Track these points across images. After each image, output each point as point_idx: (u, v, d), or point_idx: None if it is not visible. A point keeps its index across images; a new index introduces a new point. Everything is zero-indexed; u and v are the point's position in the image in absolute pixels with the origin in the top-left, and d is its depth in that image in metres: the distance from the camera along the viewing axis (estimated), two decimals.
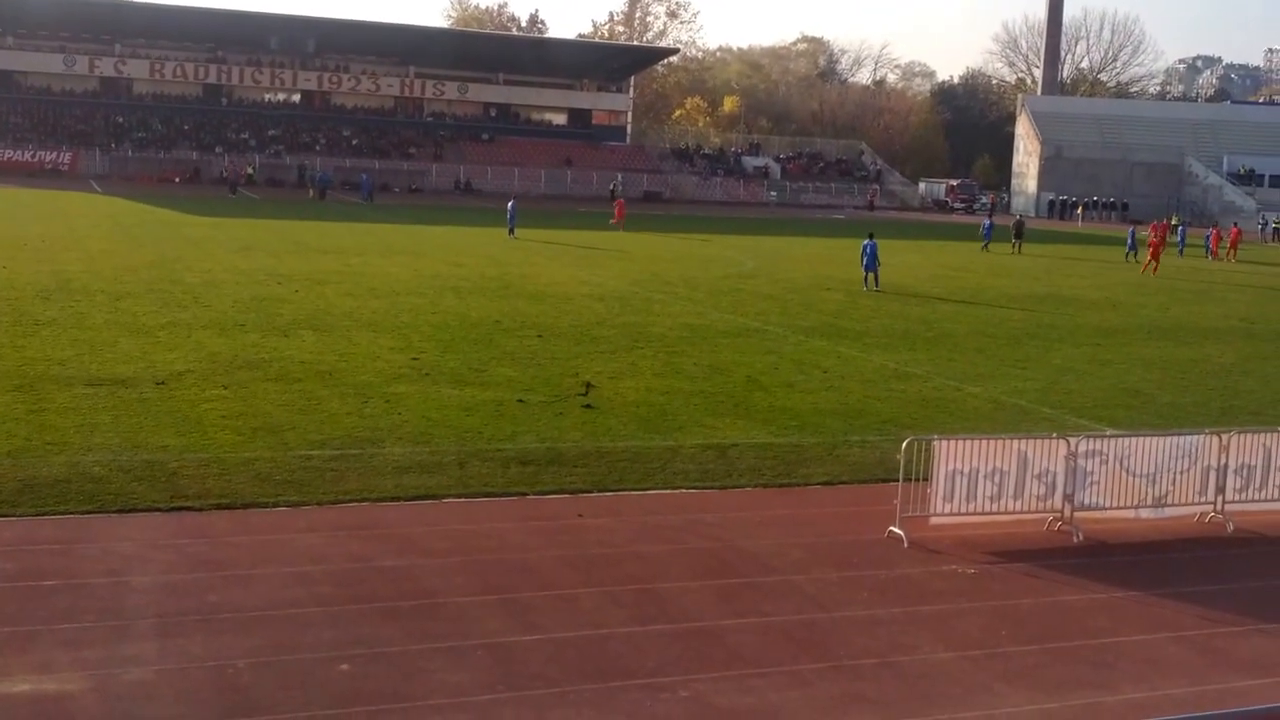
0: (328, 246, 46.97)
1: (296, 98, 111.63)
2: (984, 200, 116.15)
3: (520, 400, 20.17)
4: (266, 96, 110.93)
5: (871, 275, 39.62)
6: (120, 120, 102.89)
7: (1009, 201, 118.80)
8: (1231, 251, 63.12)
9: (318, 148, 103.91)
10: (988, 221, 64.69)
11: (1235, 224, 73.33)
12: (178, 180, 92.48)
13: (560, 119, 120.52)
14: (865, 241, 40.21)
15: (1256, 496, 15.41)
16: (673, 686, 9.92)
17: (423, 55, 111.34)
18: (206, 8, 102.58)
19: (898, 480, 13.98)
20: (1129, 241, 60.59)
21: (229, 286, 33.08)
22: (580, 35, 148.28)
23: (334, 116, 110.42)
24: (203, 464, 15.56)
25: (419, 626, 10.87)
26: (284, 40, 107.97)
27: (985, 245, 61.84)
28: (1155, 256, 51.79)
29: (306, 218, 63.94)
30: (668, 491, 15.58)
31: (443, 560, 12.59)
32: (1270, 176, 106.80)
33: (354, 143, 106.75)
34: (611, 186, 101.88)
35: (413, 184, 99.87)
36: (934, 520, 14.10)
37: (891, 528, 13.99)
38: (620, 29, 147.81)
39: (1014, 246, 62.05)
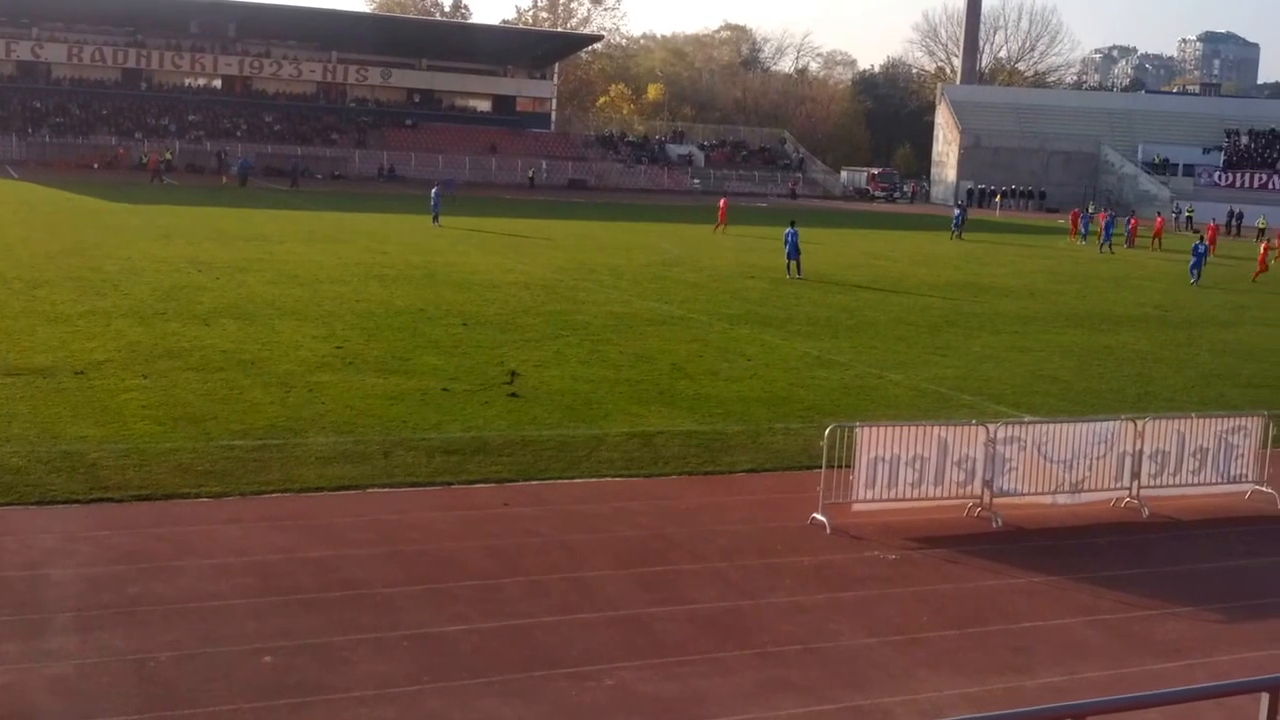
0: (249, 234, 46.48)
1: (217, 83, 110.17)
2: (905, 189, 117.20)
3: (445, 389, 20.11)
4: (187, 81, 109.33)
5: (794, 263, 39.92)
6: (37, 105, 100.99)
7: (929, 190, 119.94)
8: (1155, 241, 64.20)
9: (239, 134, 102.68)
10: (958, 211, 67.86)
11: (1159, 214, 74.55)
12: (96, 166, 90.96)
13: (484, 105, 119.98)
14: (787, 230, 40.54)
15: (1171, 482, 15.73)
16: (598, 675, 9.98)
17: (345, 40, 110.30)
18: None
19: (821, 467, 14.12)
20: (1105, 232, 61.61)
21: (149, 274, 32.66)
22: (504, 21, 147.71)
23: (255, 102, 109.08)
24: (123, 455, 15.38)
25: (343, 617, 10.84)
26: (204, 24, 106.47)
27: (957, 234, 64.66)
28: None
29: (227, 204, 63.18)
30: (593, 480, 15.62)
31: (367, 551, 12.55)
32: (1184, 166, 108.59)
33: (276, 129, 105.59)
34: (531, 173, 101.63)
35: (335, 170, 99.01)
36: (856, 507, 14.27)
37: (814, 514, 14.13)
38: (544, 15, 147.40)
39: (954, 233, 64.77)
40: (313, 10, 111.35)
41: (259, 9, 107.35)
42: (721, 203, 63.49)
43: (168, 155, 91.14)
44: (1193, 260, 46.21)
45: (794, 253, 39.94)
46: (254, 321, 25.91)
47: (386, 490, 14.70)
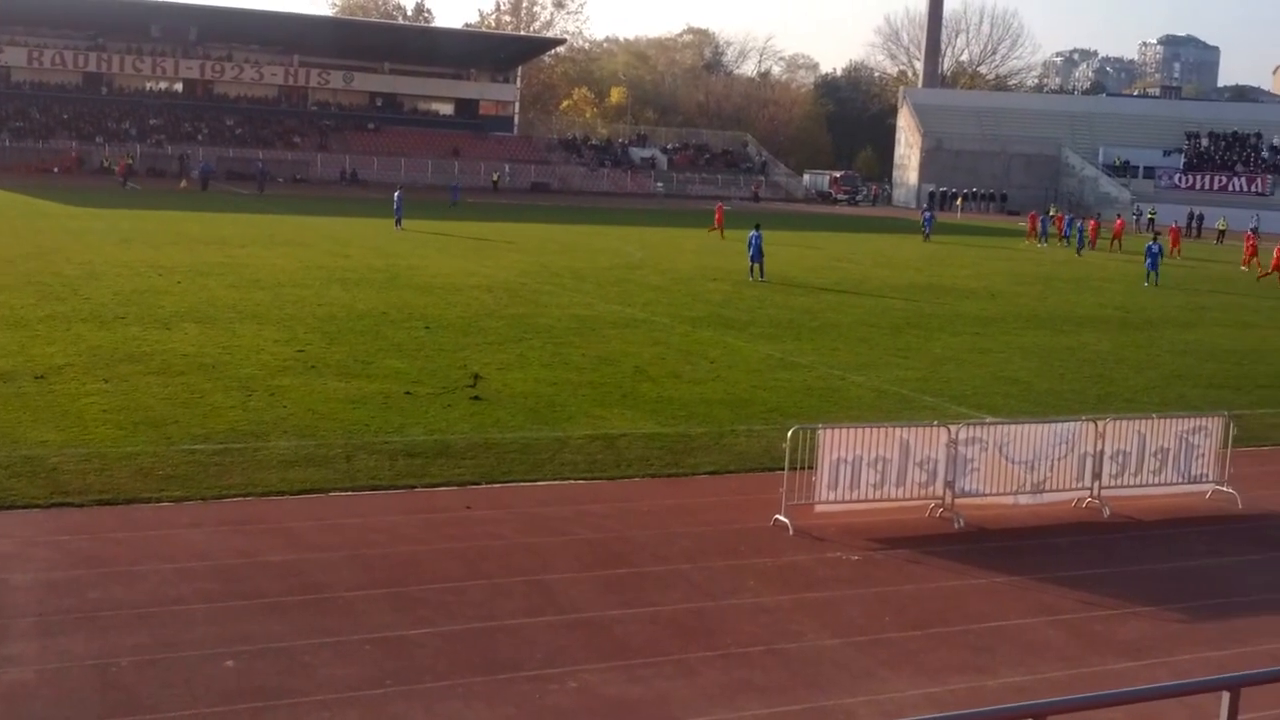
0: (211, 237, 46.23)
1: (179, 87, 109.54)
2: (866, 192, 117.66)
3: (408, 392, 20.06)
4: (148, 85, 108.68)
5: (756, 266, 40.03)
6: None
7: (890, 193, 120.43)
8: (1115, 242, 64.74)
9: (200, 137, 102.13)
10: (928, 214, 69.31)
11: (1119, 216, 75.12)
12: (56, 170, 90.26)
13: (447, 109, 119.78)
14: (751, 233, 40.65)
15: (1132, 482, 15.83)
16: (561, 677, 9.97)
17: (307, 44, 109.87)
18: None
19: (783, 469, 14.15)
20: (1078, 237, 62.07)
21: (109, 278, 32.43)
22: (467, 25, 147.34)
23: (217, 106, 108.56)
24: (83, 459, 15.26)
25: (306, 621, 10.79)
26: (166, 28, 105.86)
27: (926, 236, 66.33)
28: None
29: (188, 208, 62.79)
30: (556, 482, 15.60)
31: (329, 554, 12.50)
32: (1144, 168, 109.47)
33: (237, 132, 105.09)
34: (495, 176, 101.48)
35: (297, 174, 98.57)
36: (819, 508, 14.30)
37: (777, 516, 14.15)
38: (507, 19, 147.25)
39: (923, 235, 66.58)
40: (274, 14, 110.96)
41: (220, 13, 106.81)
42: (718, 207, 63.57)
43: (129, 159, 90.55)
44: (1147, 261, 46.64)
45: (757, 255, 40.06)
46: (215, 325, 25.76)
47: (348, 494, 14.64)
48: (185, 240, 44.66)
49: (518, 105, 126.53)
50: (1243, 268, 54.86)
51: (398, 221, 55.28)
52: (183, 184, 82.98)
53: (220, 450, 16.01)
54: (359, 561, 12.35)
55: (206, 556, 12.28)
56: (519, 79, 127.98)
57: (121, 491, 14.15)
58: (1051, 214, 72.06)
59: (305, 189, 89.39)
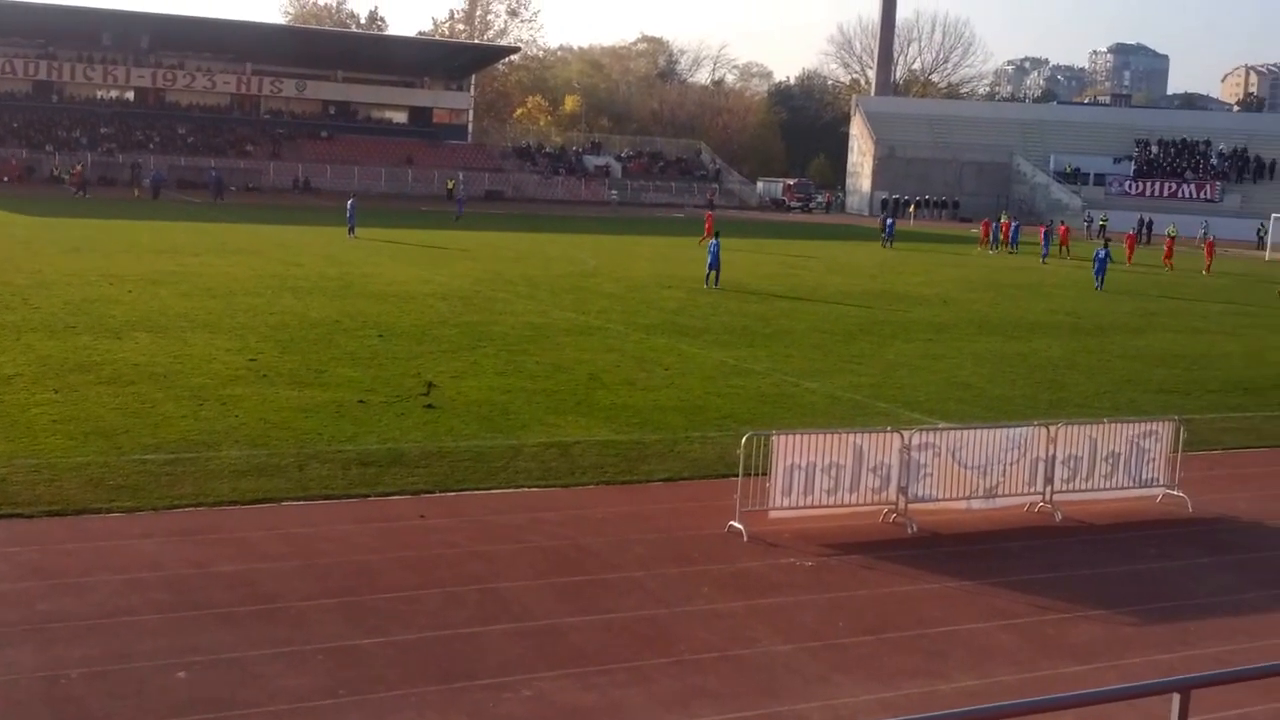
0: (162, 246, 45.86)
1: (130, 95, 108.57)
2: (819, 199, 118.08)
3: (361, 401, 19.96)
4: (99, 94, 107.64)
5: (714, 273, 40.18)
6: None
7: (844, 200, 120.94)
8: (1062, 249, 65.31)
9: (152, 146, 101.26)
10: (890, 222, 69.89)
11: (1062, 222, 75.77)
12: (6, 179, 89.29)
13: (401, 117, 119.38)
14: (710, 240, 40.95)
15: (1083, 486, 15.96)
16: (516, 686, 9.94)
17: (260, 52, 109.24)
18: (37, 2, 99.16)
19: (738, 475, 14.18)
20: (1044, 243, 62.58)
21: (59, 288, 32.12)
22: (420, 33, 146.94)
23: (169, 114, 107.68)
24: (33, 470, 15.10)
25: (258, 632, 10.71)
26: (117, 36, 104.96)
27: (888, 243, 66.81)
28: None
29: (140, 217, 62.27)
30: (510, 490, 15.57)
31: (282, 564, 12.42)
32: (1095, 175, 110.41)
33: (189, 141, 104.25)
34: (450, 184, 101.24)
35: (249, 183, 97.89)
36: (773, 514, 14.33)
37: (732, 522, 14.17)
38: (461, 27, 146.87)
39: (884, 242, 67.11)
40: (227, 22, 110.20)
41: (172, 21, 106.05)
42: (708, 215, 63.59)
43: (78, 168, 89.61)
44: (1095, 267, 47.30)
45: (715, 263, 40.25)
46: (167, 334, 25.56)
47: (301, 503, 14.55)
48: (137, 249, 44.30)
49: (472, 113, 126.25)
50: (1203, 274, 55.51)
51: (351, 230, 55.09)
52: (137, 192, 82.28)
53: (171, 460, 15.88)
54: (311, 571, 12.28)
55: (157, 567, 12.17)
56: (473, 87, 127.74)
57: (71, 502, 14.01)
58: (1003, 220, 72.64)
59: (258, 197, 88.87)
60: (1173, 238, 60.71)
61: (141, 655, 10.12)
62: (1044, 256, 61.40)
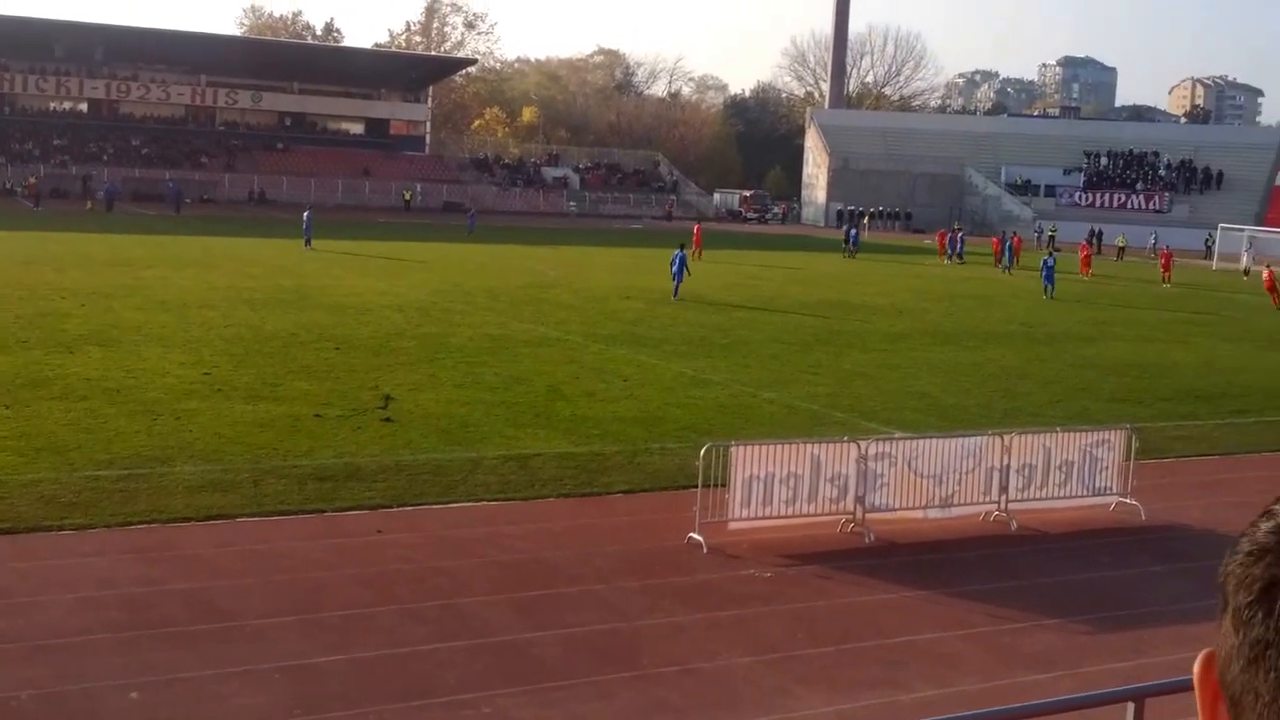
0: (116, 259, 45.46)
1: (84, 106, 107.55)
2: (776, 211, 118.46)
3: (317, 415, 19.84)
4: (51, 105, 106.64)
5: (677, 284, 40.38)
6: None
7: (800, 211, 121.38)
8: (1013, 259, 65.75)
9: (105, 158, 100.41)
10: (854, 232, 70.90)
11: (1015, 233, 76.33)
12: None
13: (357, 129, 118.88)
14: (675, 252, 41.08)
15: (1038, 495, 16.07)
16: (475, 703, 9.89)
17: (215, 63, 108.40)
18: None
19: (697, 487, 14.18)
20: (1006, 254, 62.96)
21: (10, 301, 31.76)
22: (377, 45, 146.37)
23: (122, 126, 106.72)
24: None
25: (213, 650, 10.62)
26: (70, 47, 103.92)
27: (852, 253, 67.80)
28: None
29: (93, 230, 61.70)
30: (469, 504, 15.51)
31: (237, 581, 12.31)
32: (1045, 186, 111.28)
33: (144, 152, 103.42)
34: (406, 195, 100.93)
35: (204, 194, 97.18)
36: (732, 525, 14.35)
37: (691, 534, 14.17)
38: (417, 39, 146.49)
39: (847, 252, 68.06)
40: (182, 33, 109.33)
41: (126, 32, 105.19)
42: (696, 228, 63.67)
43: (32, 180, 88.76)
44: (1044, 274, 47.99)
45: (679, 274, 40.47)
46: (120, 349, 25.33)
47: (256, 519, 14.44)
48: (89, 262, 43.88)
49: (429, 125, 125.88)
50: (1162, 284, 56.01)
51: (307, 241, 54.86)
52: (90, 205, 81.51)
53: (124, 476, 15.72)
54: (267, 588, 12.18)
55: (110, 585, 12.05)
56: (430, 98, 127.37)
57: (22, 520, 13.84)
58: (957, 230, 73.21)
59: (213, 209, 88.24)
60: (1168, 251, 61.10)
61: (94, 676, 10.00)
62: (1009, 268, 61.65)
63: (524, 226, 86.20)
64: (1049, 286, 47.21)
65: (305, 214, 57.51)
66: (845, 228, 75.50)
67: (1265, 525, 1.28)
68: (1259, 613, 1.22)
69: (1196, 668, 1.33)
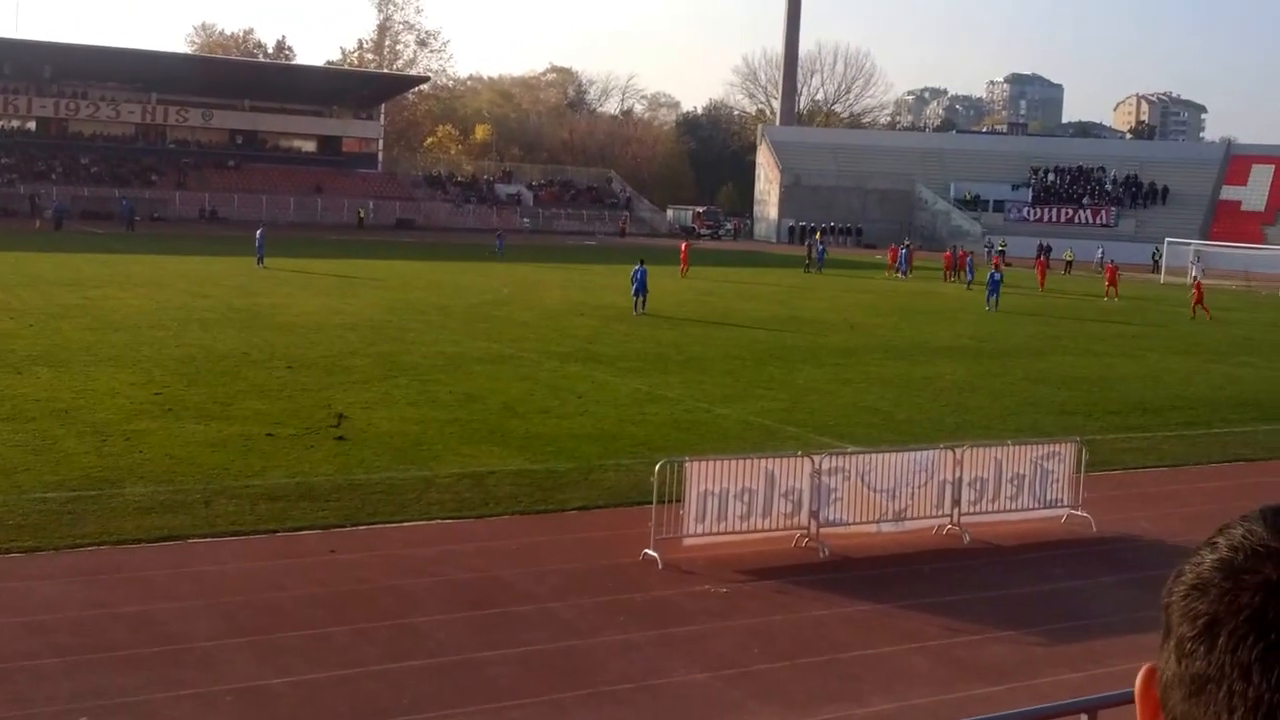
0: (65, 279, 44.99)
1: (32, 125, 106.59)
2: (728, 227, 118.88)
3: (269, 434, 19.70)
4: None
5: (640, 299, 40.54)
6: None
7: (752, 227, 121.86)
8: (955, 273, 66.37)
9: (54, 176, 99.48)
10: (820, 247, 72.36)
11: (961, 248, 76.97)
12: None
13: (309, 146, 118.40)
14: (635, 268, 41.18)
15: (990, 508, 16.16)
16: None
17: (165, 81, 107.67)
18: None
19: (652, 503, 14.17)
20: (968, 269, 63.45)
21: None
22: (329, 62, 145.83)
23: (71, 144, 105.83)
24: None
25: (163, 673, 10.50)
26: (18, 66, 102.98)
27: (817, 268, 68.77)
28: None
29: (42, 249, 61.07)
30: (424, 523, 15.43)
31: (188, 603, 12.19)
32: (994, 201, 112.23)
33: (93, 171, 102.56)
34: (360, 213, 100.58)
35: (155, 213, 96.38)
36: (687, 541, 14.35)
37: (646, 550, 14.16)
38: (370, 57, 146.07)
39: (808, 267, 69.04)
40: (132, 52, 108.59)
41: (76, 50, 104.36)
42: (683, 246, 63.72)
43: None
44: (989, 289, 48.93)
45: (641, 289, 40.62)
46: (69, 369, 25.07)
47: (208, 540, 14.30)
48: (38, 282, 43.41)
49: (382, 142, 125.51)
50: (1105, 299, 56.50)
51: (260, 259, 54.57)
52: (38, 224, 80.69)
53: (74, 498, 15.55)
54: (219, 610, 12.07)
55: (59, 609, 11.90)
56: (383, 116, 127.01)
57: None
58: (908, 245, 73.69)
59: (164, 228, 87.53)
60: (1113, 265, 61.74)
61: (42, 700, 9.88)
62: (970, 283, 61.79)
63: (478, 244, 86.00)
64: (993, 299, 48.12)
65: (258, 232, 57.22)
66: (808, 244, 75.93)
67: (1210, 558, 1.27)
68: (1201, 648, 1.23)
69: (1138, 682, 1.34)
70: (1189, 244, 76.69)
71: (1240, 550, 1.25)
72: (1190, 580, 1.28)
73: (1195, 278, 55.54)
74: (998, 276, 49.28)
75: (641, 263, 41.81)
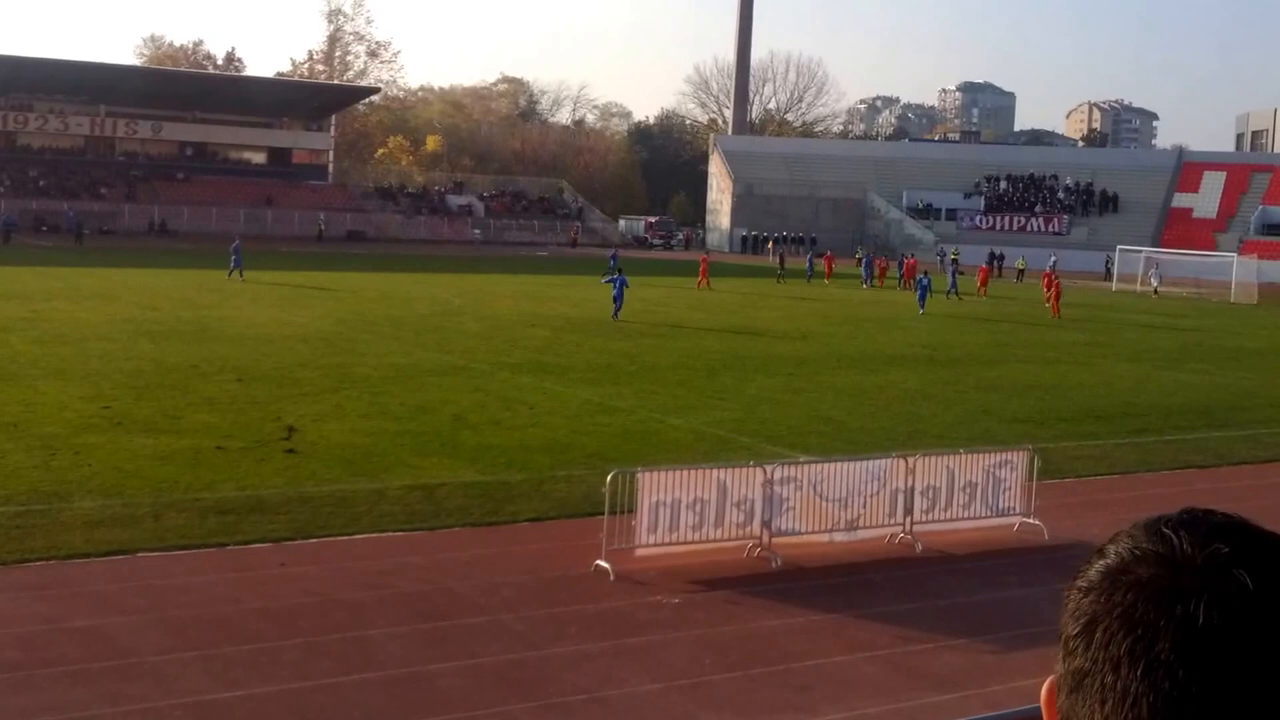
0: (12, 292, 44.48)
1: None
2: (680, 237, 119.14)
3: (219, 447, 19.56)
4: None
5: (617, 307, 41.31)
6: None
7: (704, 237, 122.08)
8: (908, 281, 66.76)
9: (2, 189, 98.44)
10: (809, 259, 74.02)
11: (912, 255, 77.55)
12: None
13: (259, 158, 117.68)
14: (615, 276, 41.86)
15: (942, 517, 16.24)
16: None
17: (114, 93, 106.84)
18: None
19: (604, 514, 14.16)
20: (951, 279, 63.86)
21: None
22: (279, 74, 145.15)
23: (19, 157, 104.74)
24: None
25: (112, 688, 10.40)
26: None
27: (780, 278, 69.36)
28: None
29: None
30: (374, 535, 15.36)
31: (137, 618, 12.08)
32: (947, 210, 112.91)
33: (41, 184, 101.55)
34: (320, 226, 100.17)
35: (105, 225, 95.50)
36: (639, 552, 14.34)
37: (598, 561, 14.14)
38: (320, 68, 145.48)
39: (778, 278, 69.45)
40: (80, 64, 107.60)
41: (22, 62, 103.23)
42: (703, 259, 64.23)
43: None
44: (918, 293, 51.14)
45: (619, 296, 41.31)
46: (16, 383, 24.80)
47: (157, 554, 14.18)
48: None
49: (332, 154, 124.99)
50: (1046, 304, 56.93)
51: (238, 271, 54.19)
52: None
53: (21, 512, 15.38)
54: (168, 624, 11.97)
55: (6, 624, 11.77)
56: (333, 127, 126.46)
57: None
58: (859, 255, 74.23)
59: (113, 240, 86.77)
60: (1053, 273, 62.27)
61: None
62: (949, 291, 60.65)
63: (429, 254, 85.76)
64: (922, 304, 50.16)
65: (234, 244, 56.89)
66: (778, 254, 76.61)
67: (1098, 564, 1.40)
68: (1080, 645, 1.33)
69: (1043, 693, 1.42)
70: (1140, 251, 77.48)
71: (1121, 555, 1.39)
72: (1081, 584, 1.40)
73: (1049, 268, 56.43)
74: (925, 281, 51.53)
75: (620, 271, 42.55)
